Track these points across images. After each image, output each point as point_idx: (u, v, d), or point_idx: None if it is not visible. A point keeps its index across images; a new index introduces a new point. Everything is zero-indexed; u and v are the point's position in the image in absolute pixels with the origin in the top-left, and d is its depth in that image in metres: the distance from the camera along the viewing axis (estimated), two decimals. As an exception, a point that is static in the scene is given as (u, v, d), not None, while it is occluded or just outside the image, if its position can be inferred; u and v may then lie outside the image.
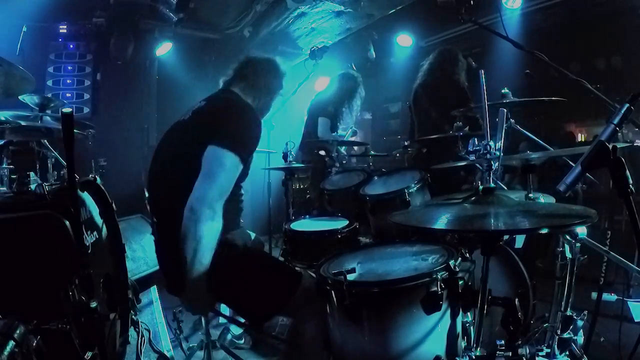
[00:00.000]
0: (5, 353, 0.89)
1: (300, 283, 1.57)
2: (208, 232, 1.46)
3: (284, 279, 1.60)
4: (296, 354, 1.74)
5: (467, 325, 1.31)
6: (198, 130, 1.64)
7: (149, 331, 2.46)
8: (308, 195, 4.82)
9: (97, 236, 1.76)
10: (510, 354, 1.12)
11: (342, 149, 3.70)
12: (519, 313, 1.08)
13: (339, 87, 3.84)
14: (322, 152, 3.16)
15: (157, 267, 1.89)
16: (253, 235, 2.01)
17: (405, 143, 3.48)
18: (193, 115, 1.74)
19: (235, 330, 2.61)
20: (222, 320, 2.96)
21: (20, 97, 2.71)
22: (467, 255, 1.36)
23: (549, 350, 1.57)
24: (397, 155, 3.73)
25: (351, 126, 4.36)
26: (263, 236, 3.70)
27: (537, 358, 1.54)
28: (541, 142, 2.32)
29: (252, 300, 1.59)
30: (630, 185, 0.93)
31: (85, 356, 1.21)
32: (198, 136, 1.58)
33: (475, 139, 1.35)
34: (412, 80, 3.73)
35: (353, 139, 4.00)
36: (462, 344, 1.26)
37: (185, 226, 1.47)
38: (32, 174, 1.55)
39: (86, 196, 1.76)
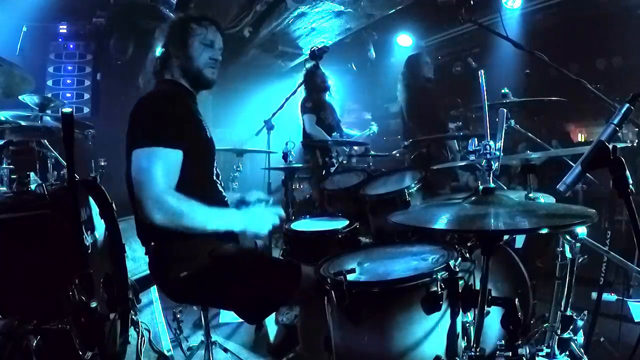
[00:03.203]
0: (5, 353, 0.89)
1: (298, 284, 1.56)
2: (177, 220, 1.42)
3: (280, 282, 1.58)
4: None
5: (467, 325, 1.31)
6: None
7: (149, 331, 2.46)
8: (308, 195, 4.83)
9: (97, 236, 1.77)
10: (510, 354, 1.12)
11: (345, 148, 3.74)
12: (519, 313, 1.08)
13: (303, 82, 3.92)
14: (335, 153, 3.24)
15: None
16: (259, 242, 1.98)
17: (405, 143, 3.49)
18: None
19: None
20: (222, 320, 2.97)
21: (20, 97, 2.72)
22: (467, 255, 1.36)
23: (549, 350, 1.57)
24: (397, 155, 3.74)
25: (371, 124, 4.48)
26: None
27: (537, 358, 1.54)
28: (541, 142, 2.32)
29: (248, 304, 1.59)
30: (630, 185, 0.93)
31: (85, 356, 1.21)
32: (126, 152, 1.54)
33: (476, 139, 1.34)
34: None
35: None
36: (462, 344, 1.26)
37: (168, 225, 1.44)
38: (32, 174, 1.55)
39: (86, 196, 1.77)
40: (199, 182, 1.66)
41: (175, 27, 1.74)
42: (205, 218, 1.49)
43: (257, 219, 1.60)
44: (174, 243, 1.57)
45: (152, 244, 1.63)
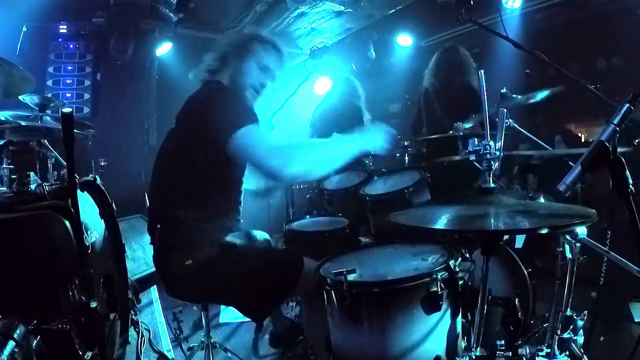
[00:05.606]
0: (6, 353, 0.89)
1: (299, 275, 1.57)
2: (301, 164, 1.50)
3: (283, 275, 1.60)
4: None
5: (467, 325, 1.31)
6: (196, 137, 1.59)
7: (149, 331, 2.47)
8: (308, 196, 4.83)
9: (97, 236, 1.77)
10: (510, 354, 1.12)
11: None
12: (519, 313, 1.08)
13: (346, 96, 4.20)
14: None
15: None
16: (262, 236, 2.00)
17: (406, 143, 3.48)
18: (179, 122, 1.71)
19: None
20: (222, 320, 2.97)
21: (20, 97, 2.71)
22: (467, 255, 1.36)
23: (549, 350, 1.57)
24: (397, 155, 3.72)
25: None
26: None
27: (537, 358, 1.54)
28: (541, 142, 2.32)
29: (253, 298, 1.60)
30: (630, 185, 0.93)
31: (85, 356, 1.21)
32: (202, 143, 1.55)
33: (475, 139, 1.34)
34: (412, 80, 3.73)
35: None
36: (462, 344, 1.26)
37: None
38: (32, 174, 1.55)
39: (86, 196, 1.77)
40: (239, 180, 1.76)
41: (239, 38, 1.85)
42: (320, 151, 1.59)
43: (372, 137, 1.68)
44: (180, 227, 1.61)
45: (159, 226, 1.64)
